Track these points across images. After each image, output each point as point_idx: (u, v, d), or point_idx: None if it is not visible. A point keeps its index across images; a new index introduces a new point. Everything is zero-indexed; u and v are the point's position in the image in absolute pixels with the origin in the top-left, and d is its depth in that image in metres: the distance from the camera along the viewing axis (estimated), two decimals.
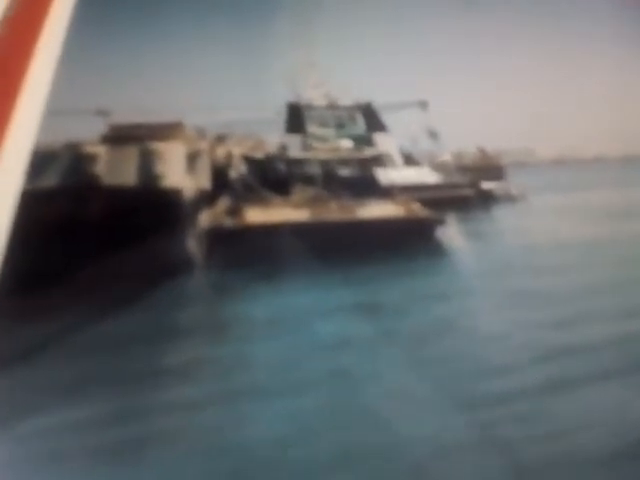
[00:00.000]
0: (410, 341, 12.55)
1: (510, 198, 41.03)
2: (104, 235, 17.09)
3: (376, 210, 24.47)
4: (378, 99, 42.84)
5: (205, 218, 22.42)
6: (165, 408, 9.26)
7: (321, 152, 38.72)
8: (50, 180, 19.69)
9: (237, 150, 32.12)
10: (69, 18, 2.83)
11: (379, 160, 38.98)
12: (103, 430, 8.46)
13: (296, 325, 13.79)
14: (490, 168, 44.74)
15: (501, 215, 37.33)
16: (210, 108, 39.15)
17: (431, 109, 43.28)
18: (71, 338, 12.32)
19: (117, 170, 21.42)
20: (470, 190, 38.54)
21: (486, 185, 41.01)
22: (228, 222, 22.72)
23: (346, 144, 39.97)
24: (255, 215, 23.04)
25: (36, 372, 10.29)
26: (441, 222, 24.43)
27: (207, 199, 23.88)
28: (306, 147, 39.53)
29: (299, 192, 26.59)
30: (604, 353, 11.19)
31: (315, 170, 35.65)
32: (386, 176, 36.52)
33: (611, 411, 8.82)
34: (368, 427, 8.51)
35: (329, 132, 40.90)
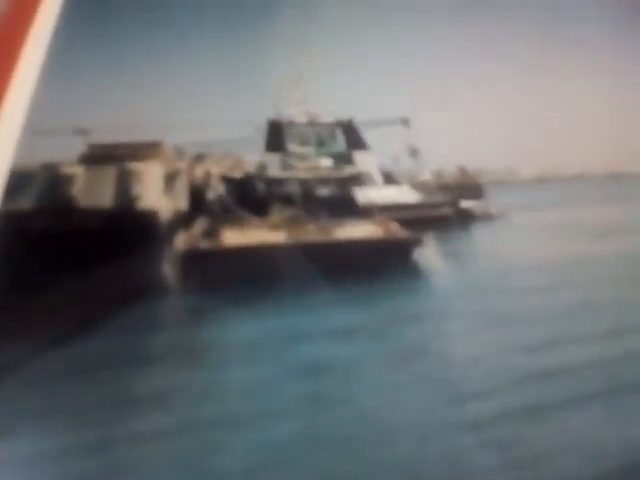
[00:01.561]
0: (385, 365, 12.42)
1: (489, 217, 41.24)
2: (77, 257, 17.02)
3: (354, 230, 24.48)
4: (359, 115, 43.08)
5: (181, 240, 22.28)
6: (135, 437, 9.08)
7: (300, 171, 38.81)
8: (26, 201, 19.62)
9: (216, 169, 32.11)
10: (50, 37, 2.83)
11: (358, 179, 39.16)
12: (71, 460, 8.31)
13: (271, 350, 13.68)
14: (470, 187, 44.95)
15: (479, 234, 37.48)
16: (190, 126, 39.21)
17: (413, 127, 43.59)
18: (38, 363, 12.16)
19: (94, 191, 21.38)
20: (449, 209, 38.79)
21: (465, 204, 41.20)
22: (204, 244, 22.58)
23: (326, 163, 40.15)
24: (232, 237, 22.95)
25: (1, 398, 10.12)
26: (419, 242, 24.42)
27: (184, 220, 23.82)
28: (286, 166, 39.57)
29: (277, 213, 26.52)
30: (581, 376, 11.13)
31: (294, 189, 35.72)
32: (365, 195, 36.69)
33: (589, 436, 8.79)
34: (342, 455, 8.44)
35: (309, 150, 40.98)
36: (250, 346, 14.02)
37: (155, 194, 22.28)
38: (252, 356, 13.34)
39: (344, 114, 42.73)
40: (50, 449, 8.58)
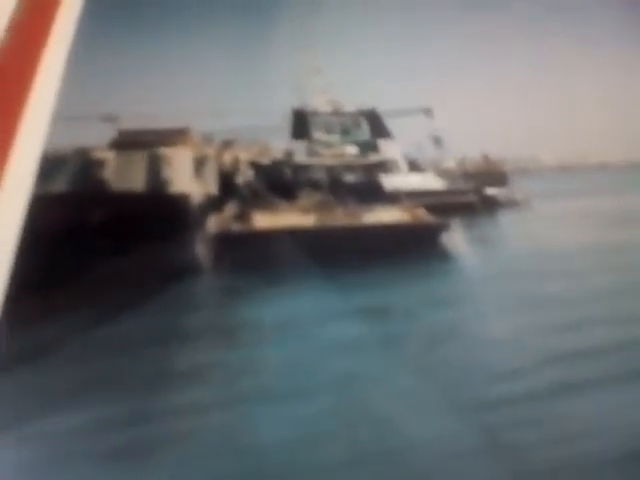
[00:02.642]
0: (417, 345, 12.54)
1: (514, 204, 40.92)
2: (112, 239, 17.23)
3: (382, 216, 24.52)
4: (383, 105, 42.98)
5: (213, 223, 22.51)
6: (174, 411, 9.24)
7: (327, 158, 38.87)
8: (59, 185, 19.81)
9: (244, 156, 32.19)
10: (76, 24, 2.86)
11: (384, 166, 39.09)
12: (111, 433, 8.45)
13: (304, 329, 13.79)
14: (494, 174, 44.65)
15: (505, 221, 37.26)
16: (216, 114, 39.32)
17: (435, 115, 43.36)
18: (80, 341, 12.31)
19: (125, 175, 21.55)
20: (474, 196, 38.50)
21: (490, 191, 40.98)
22: (236, 227, 22.81)
23: (351, 150, 40.10)
24: (262, 220, 23.12)
25: (44, 374, 10.29)
26: (446, 227, 24.44)
27: (214, 204, 23.96)
28: (312, 153, 39.63)
29: (305, 197, 26.65)
30: (611, 357, 11.14)
31: (321, 176, 35.84)
32: (391, 182, 36.54)
33: (618, 415, 8.77)
34: (376, 431, 8.49)
35: (334, 138, 40.98)
36: (283, 325, 14.15)
37: (186, 179, 22.45)
38: (286, 334, 13.49)
39: (367, 104, 42.70)
40: (91, 422, 8.68)
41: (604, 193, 50.35)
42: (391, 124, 42.36)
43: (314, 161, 38.51)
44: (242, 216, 23.79)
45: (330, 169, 37.54)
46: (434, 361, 11.49)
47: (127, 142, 23.73)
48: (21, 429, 8.23)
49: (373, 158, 39.78)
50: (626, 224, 31.13)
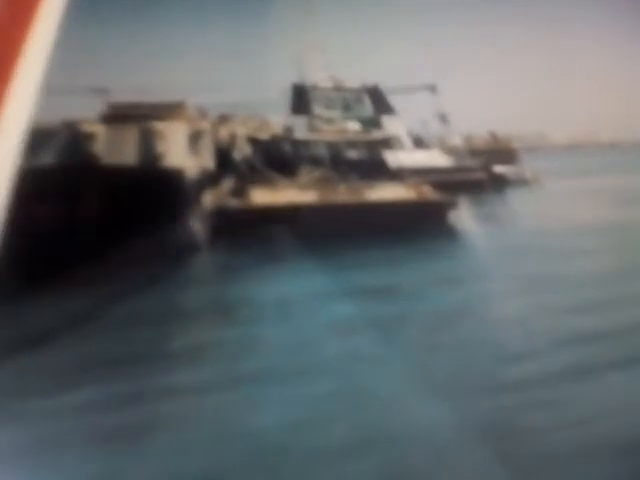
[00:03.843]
0: (425, 325, 12.13)
1: (524, 182, 40.44)
2: (105, 216, 16.66)
3: (386, 192, 23.82)
4: (387, 82, 42.03)
5: (209, 199, 21.94)
6: (171, 392, 8.93)
7: (328, 134, 38.12)
8: (48, 158, 19.24)
9: (241, 131, 31.65)
10: None
11: (388, 142, 38.29)
12: (108, 414, 8.12)
13: (306, 308, 13.37)
14: (502, 152, 44.35)
15: (515, 199, 36.78)
16: (213, 88, 38.74)
17: (441, 92, 42.59)
18: (75, 321, 11.94)
19: (116, 149, 20.90)
20: (482, 173, 37.90)
21: (498, 169, 40.41)
22: (233, 202, 22.25)
23: (353, 126, 39.38)
24: (261, 196, 22.50)
25: (40, 355, 9.96)
26: (453, 205, 23.78)
27: (211, 180, 23.41)
28: (312, 129, 38.85)
29: (306, 173, 26.09)
30: (627, 338, 10.85)
31: (322, 152, 35.00)
32: (395, 159, 35.87)
33: (634, 398, 8.59)
34: (383, 413, 8.21)
35: (335, 114, 40.18)
36: (284, 303, 13.68)
37: (180, 153, 21.76)
38: (286, 313, 13.05)
39: (370, 80, 41.79)
40: (87, 403, 8.43)
41: (615, 172, 50.14)
42: (395, 101, 41.54)
43: (315, 137, 37.72)
44: (239, 192, 23.21)
45: (331, 145, 36.74)
46: (442, 342, 11.13)
47: (118, 115, 23.00)
48: (16, 410, 7.92)
49: (376, 134, 38.99)
50: (637, 203, 30.81)
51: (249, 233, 19.03)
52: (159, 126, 21.99)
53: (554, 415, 7.98)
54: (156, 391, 8.89)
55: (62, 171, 18.42)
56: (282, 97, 39.29)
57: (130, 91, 30.62)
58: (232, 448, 7.31)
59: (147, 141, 21.47)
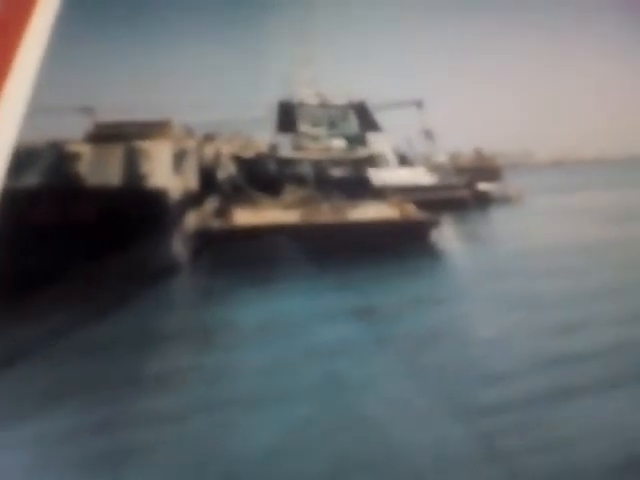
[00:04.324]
0: (406, 347, 12.10)
1: (507, 200, 40.57)
2: (87, 236, 16.64)
3: (369, 211, 23.88)
4: (373, 98, 42.31)
5: (192, 219, 21.92)
6: (149, 417, 8.84)
7: (313, 152, 38.25)
8: (32, 179, 19.24)
9: (226, 149, 31.70)
10: (55, 15, 2.69)
11: (372, 160, 38.47)
12: (83, 440, 8.03)
13: (287, 331, 13.30)
14: (486, 169, 44.60)
15: (498, 217, 37.01)
16: (199, 106, 38.79)
17: (427, 109, 42.94)
18: (51, 343, 11.87)
19: (101, 169, 20.91)
20: (466, 191, 38.07)
21: (482, 186, 40.60)
22: (216, 223, 22.22)
23: (338, 144, 39.50)
24: (244, 216, 22.46)
25: (14, 378, 9.90)
26: (436, 224, 23.85)
27: (194, 200, 23.41)
28: (297, 147, 38.98)
29: (290, 193, 26.06)
30: (606, 360, 10.80)
31: (306, 170, 35.10)
32: (379, 177, 35.99)
33: (614, 421, 8.49)
34: (363, 437, 8.14)
35: (321, 131, 40.34)
36: (264, 327, 13.62)
37: (164, 173, 21.78)
38: (266, 337, 12.97)
39: (357, 96, 41.93)
40: (61, 429, 8.35)
41: (599, 188, 50.61)
42: (382, 117, 41.89)
43: (300, 155, 37.79)
44: (223, 212, 23.21)
45: (316, 163, 36.85)
46: (423, 363, 11.11)
47: (104, 135, 23.01)
48: None
49: (361, 152, 39.15)
50: (621, 220, 31.04)
51: (231, 254, 19.00)
52: (144, 145, 22.00)
53: (534, 438, 7.95)
54: (132, 417, 8.82)
55: (47, 191, 18.45)
56: (269, 114, 39.49)
57: (116, 109, 30.56)
58: (210, 474, 7.31)
59: (132, 161, 21.48)
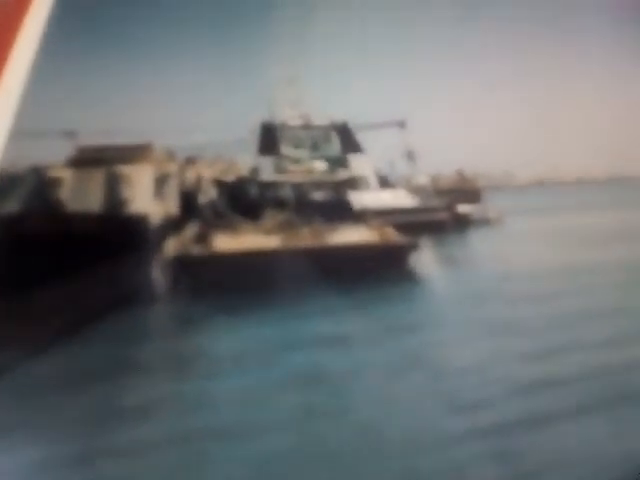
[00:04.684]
0: (381, 375, 12.11)
1: (487, 222, 40.84)
2: (64, 262, 16.59)
3: (349, 235, 24.02)
4: (355, 118, 42.62)
5: (171, 245, 21.88)
6: (123, 450, 8.77)
7: (294, 175, 38.33)
8: (13, 204, 19.24)
9: (207, 173, 31.83)
10: (38, 39, 2.76)
11: (353, 183, 38.61)
12: (57, 473, 8.05)
13: (263, 360, 13.30)
14: (467, 191, 44.73)
15: (477, 239, 37.05)
16: (181, 129, 38.95)
17: (410, 130, 43.21)
18: (19, 373, 11.73)
19: (82, 195, 20.99)
20: (446, 214, 38.23)
21: (462, 208, 40.83)
22: (195, 249, 22.16)
23: (320, 166, 39.63)
24: (224, 242, 22.46)
25: None
26: (415, 248, 23.97)
27: (175, 225, 23.46)
28: (279, 169, 39.06)
29: (270, 217, 26.05)
30: (583, 386, 10.85)
31: (287, 194, 35.22)
32: (360, 200, 36.08)
33: (590, 448, 8.54)
34: (337, 469, 8.17)
35: (303, 153, 40.45)
36: (241, 355, 13.65)
37: (145, 198, 21.87)
38: (243, 366, 12.97)
39: (339, 117, 42.34)
40: (33, 462, 8.29)
41: (580, 210, 50.84)
42: (364, 138, 42.13)
43: (281, 178, 37.89)
44: (203, 238, 23.14)
45: (297, 186, 36.95)
46: (394, 393, 11.09)
47: (85, 159, 23.16)
48: None
49: (342, 174, 39.31)
50: (602, 242, 31.34)
51: (209, 281, 19.01)
52: (126, 170, 22.13)
53: (507, 466, 8.03)
54: (106, 450, 8.75)
55: (25, 218, 18.40)
56: (251, 136, 39.65)
57: (98, 132, 30.74)
58: None
59: (113, 186, 21.59)
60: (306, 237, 23.55)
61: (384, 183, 39.88)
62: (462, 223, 38.55)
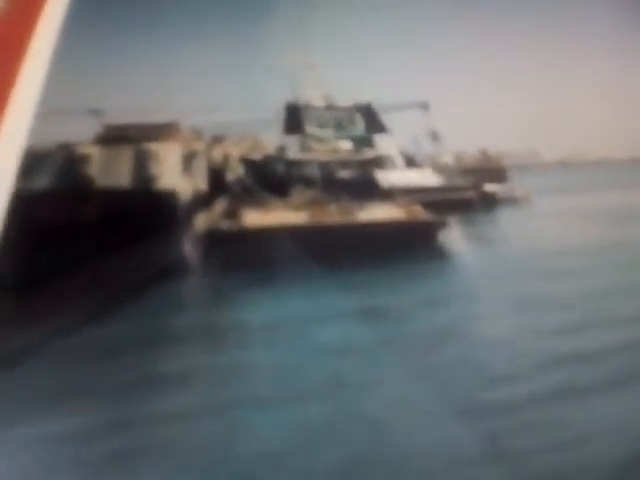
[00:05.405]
0: (413, 348, 12.16)
1: (514, 201, 40.41)
2: (97, 238, 16.68)
3: (377, 213, 23.92)
4: (379, 100, 42.18)
5: (202, 220, 22.00)
6: (159, 418, 8.89)
7: (320, 153, 38.17)
8: (42, 181, 19.35)
9: (234, 151, 31.84)
10: (63, 17, 2.72)
11: (379, 162, 38.32)
12: (93, 442, 8.06)
13: (295, 331, 13.35)
14: (492, 170, 44.32)
15: (505, 218, 36.86)
16: (207, 109, 38.88)
17: (433, 110, 42.79)
18: (60, 344, 11.78)
19: (111, 171, 21.04)
20: (472, 192, 37.76)
21: (489, 187, 40.35)
22: (225, 225, 22.22)
23: (345, 145, 39.44)
24: (253, 218, 22.51)
25: (23, 380, 9.84)
26: (443, 225, 23.84)
27: (204, 201, 23.48)
28: (305, 148, 38.90)
29: (298, 194, 26.04)
30: (613, 359, 10.88)
31: (314, 172, 35.18)
32: (387, 178, 35.83)
33: (621, 419, 8.57)
34: (371, 438, 8.18)
35: (328, 133, 40.23)
36: (273, 327, 13.70)
37: (174, 174, 21.91)
38: (276, 337, 13.06)
39: (362, 99, 41.93)
40: (73, 430, 8.37)
41: (605, 189, 50.26)
42: (388, 119, 41.65)
43: (307, 157, 37.77)
44: (232, 213, 23.18)
45: (323, 165, 36.85)
46: (431, 364, 11.14)
47: (113, 137, 23.23)
48: None
49: (368, 153, 39.01)
50: (627, 221, 30.95)
51: (241, 255, 19.07)
52: (153, 147, 22.15)
53: (540, 438, 8.02)
54: (143, 418, 8.87)
55: (56, 195, 18.49)
56: (276, 116, 39.52)
57: (125, 112, 30.75)
58: (222, 475, 7.36)
59: (141, 162, 21.61)
60: (334, 214, 23.47)
61: (410, 162, 39.58)
62: (490, 202, 38.07)
